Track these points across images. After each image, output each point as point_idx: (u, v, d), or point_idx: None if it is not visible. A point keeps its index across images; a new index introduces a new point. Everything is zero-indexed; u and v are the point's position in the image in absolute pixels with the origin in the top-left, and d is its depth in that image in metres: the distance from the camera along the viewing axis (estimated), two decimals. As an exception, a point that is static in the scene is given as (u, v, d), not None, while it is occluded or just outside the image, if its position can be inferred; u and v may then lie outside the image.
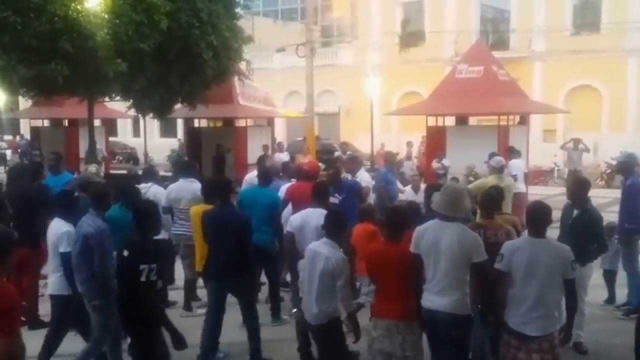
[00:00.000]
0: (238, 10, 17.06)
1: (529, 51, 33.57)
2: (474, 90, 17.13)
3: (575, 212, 7.25)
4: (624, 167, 8.99)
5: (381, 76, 33.63)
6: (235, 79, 18.03)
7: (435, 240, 5.25)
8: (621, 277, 8.94)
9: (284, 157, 18.06)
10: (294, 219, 7.05)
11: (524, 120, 19.07)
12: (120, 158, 34.31)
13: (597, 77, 32.37)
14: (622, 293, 8.81)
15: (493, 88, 17.41)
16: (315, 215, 6.67)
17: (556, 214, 7.54)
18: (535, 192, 16.85)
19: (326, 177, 9.68)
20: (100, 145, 20.78)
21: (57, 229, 6.50)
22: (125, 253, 5.45)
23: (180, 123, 32.30)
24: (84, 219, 6.37)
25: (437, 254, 5.22)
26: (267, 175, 8.81)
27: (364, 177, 10.83)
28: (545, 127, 32.58)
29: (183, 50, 14.84)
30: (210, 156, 18.55)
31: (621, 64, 31.91)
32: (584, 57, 31.64)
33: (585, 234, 6.99)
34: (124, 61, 13.31)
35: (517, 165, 14.56)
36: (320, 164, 12.58)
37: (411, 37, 37.06)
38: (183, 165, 10.31)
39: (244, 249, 6.82)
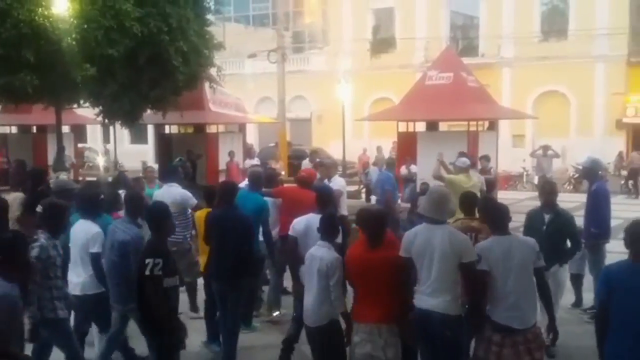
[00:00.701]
0: (208, 16, 16.96)
1: (498, 57, 33.91)
2: (444, 97, 17.28)
3: (547, 216, 7.47)
4: (589, 172, 9.20)
5: (353, 82, 33.65)
6: (206, 85, 17.94)
7: (427, 243, 5.32)
8: (588, 281, 9.06)
9: (254, 163, 17.96)
10: (297, 223, 6.97)
11: (493, 126, 19.28)
12: (90, 164, 33.97)
13: (565, 83, 32.80)
14: (588, 297, 8.89)
15: (463, 94, 17.58)
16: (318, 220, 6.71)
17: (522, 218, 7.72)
18: (505, 197, 17.00)
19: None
20: (69, 151, 20.55)
21: (87, 230, 6.53)
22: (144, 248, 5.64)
23: (151, 129, 32.10)
24: (117, 225, 6.52)
25: (430, 257, 5.29)
26: (258, 180, 8.75)
27: (338, 182, 10.91)
28: (514, 132, 32.95)
29: (153, 55, 14.71)
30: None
31: (588, 70, 32.36)
32: (552, 63, 32.06)
33: (561, 235, 7.34)
34: (92, 66, 13.18)
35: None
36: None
37: (382, 43, 37.26)
38: (165, 171, 10.33)
39: (249, 251, 7.04)
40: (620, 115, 32.35)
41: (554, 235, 7.25)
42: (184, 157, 17.56)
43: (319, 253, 5.76)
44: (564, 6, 33.84)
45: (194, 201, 8.92)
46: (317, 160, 13.64)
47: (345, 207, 10.43)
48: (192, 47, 15.17)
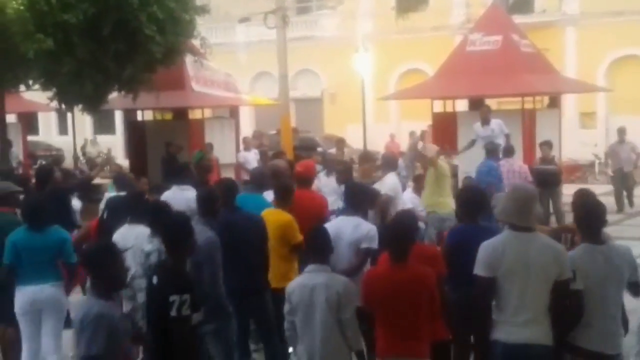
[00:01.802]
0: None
1: (559, 14, 33.80)
2: (491, 66, 17.36)
3: None
4: None
5: (374, 50, 33.70)
6: (188, 59, 17.99)
7: (523, 257, 5.29)
8: None
9: (251, 157, 17.93)
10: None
11: (555, 102, 19.31)
12: (43, 162, 34.05)
13: (646, 45, 32.67)
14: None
15: (515, 62, 17.65)
16: (350, 226, 6.73)
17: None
18: (570, 192, 16.99)
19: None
20: (17, 146, 20.70)
21: (141, 232, 7.02)
22: (155, 280, 5.46)
23: (119, 116, 32.23)
24: None
25: (527, 275, 5.26)
26: (259, 179, 8.92)
27: (388, 183, 10.62)
28: (582, 110, 32.84)
29: (120, 24, 14.79)
30: (157, 157, 18.40)
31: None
32: (628, 20, 31.89)
33: None
34: (47, 37, 13.30)
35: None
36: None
37: (411, 0, 37.20)
38: (176, 170, 10.43)
39: (264, 260, 7.10)
40: None
41: None
42: (203, 150, 17.56)
43: (319, 280, 5.67)
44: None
45: None
46: (320, 150, 13.58)
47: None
48: (168, 12, 15.21)
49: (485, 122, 15.63)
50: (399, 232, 5.69)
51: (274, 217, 7.62)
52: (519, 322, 5.26)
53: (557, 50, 30.98)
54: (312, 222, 7.84)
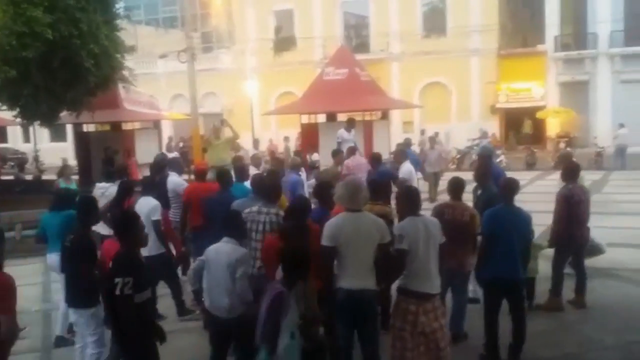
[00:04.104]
0: (118, 21, 16.32)
1: (387, 53, 34.41)
2: (341, 90, 17.40)
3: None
4: (487, 159, 9.22)
5: (258, 79, 33.48)
6: (120, 85, 17.27)
7: (355, 230, 5.18)
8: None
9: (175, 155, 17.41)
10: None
11: (385, 115, 19.56)
12: (12, 164, 32.26)
13: (445, 75, 33.70)
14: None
15: (357, 88, 17.75)
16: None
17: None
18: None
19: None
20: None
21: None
22: (111, 264, 4.92)
23: (70, 127, 30.73)
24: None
25: (358, 242, 5.17)
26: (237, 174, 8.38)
27: (405, 170, 10.63)
28: (404, 120, 33.62)
29: (66, 59, 14.08)
30: (99, 159, 17.76)
31: (465, 62, 33.39)
32: (434, 57, 32.85)
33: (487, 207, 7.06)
34: (11, 69, 12.69)
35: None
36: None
37: (284, 42, 37.07)
38: (169, 161, 10.30)
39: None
40: (493, 102, 33.59)
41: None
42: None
43: (227, 249, 5.29)
44: (442, 6, 34.65)
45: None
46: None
47: None
48: (103, 50, 14.57)
49: (349, 129, 15.62)
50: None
51: None
52: (354, 274, 5.18)
53: (386, 78, 31.58)
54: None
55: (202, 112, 29.11)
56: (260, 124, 33.83)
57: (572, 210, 7.61)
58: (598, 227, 8.61)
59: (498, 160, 19.73)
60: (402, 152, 11.84)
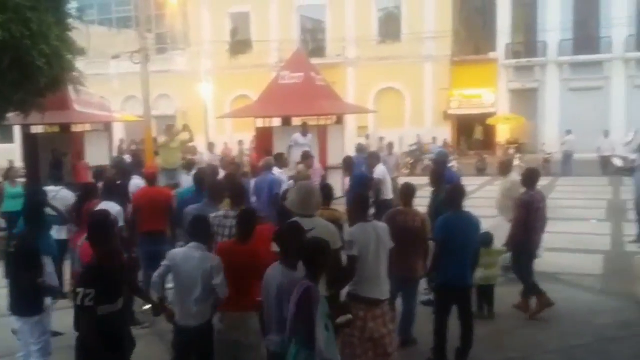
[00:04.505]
0: (70, 21, 15.96)
1: (342, 58, 34.62)
2: (296, 95, 17.37)
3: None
4: (441, 164, 9.65)
5: (214, 81, 33.21)
6: (70, 86, 16.89)
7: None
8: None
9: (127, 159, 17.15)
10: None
11: (340, 120, 19.62)
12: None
13: (399, 80, 34.10)
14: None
15: (312, 92, 17.76)
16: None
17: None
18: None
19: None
20: None
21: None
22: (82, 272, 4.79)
23: (18, 129, 29.88)
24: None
25: None
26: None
27: (379, 171, 11.15)
28: (359, 124, 33.78)
29: (16, 59, 13.68)
30: (47, 162, 17.30)
31: (419, 69, 33.88)
32: (389, 63, 33.21)
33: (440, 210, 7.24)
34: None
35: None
36: None
37: (240, 45, 36.91)
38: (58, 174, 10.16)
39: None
40: (446, 108, 34.14)
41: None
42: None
43: (197, 255, 5.13)
44: (397, 12, 35.08)
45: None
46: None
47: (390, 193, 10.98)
48: (54, 51, 14.21)
49: (305, 133, 15.65)
50: (248, 219, 5.40)
51: None
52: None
53: (342, 83, 31.75)
54: (161, 211, 7.56)
55: (155, 115, 28.68)
56: (215, 128, 33.60)
57: (530, 216, 7.78)
58: (544, 233, 8.84)
59: (450, 165, 20.04)
60: (376, 154, 12.19)
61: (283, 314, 4.47)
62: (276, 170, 10.90)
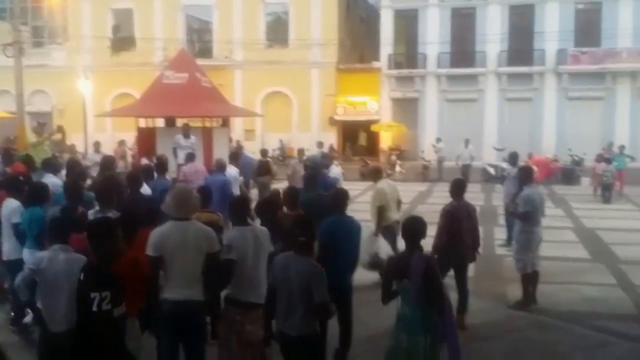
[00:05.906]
0: None
1: (230, 60, 34.35)
2: (180, 95, 16.95)
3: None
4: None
5: (93, 78, 31.90)
6: None
7: (182, 239, 5.03)
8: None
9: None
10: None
11: (226, 122, 19.43)
12: None
13: (287, 85, 34.31)
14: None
15: (197, 93, 17.41)
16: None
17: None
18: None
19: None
20: None
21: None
22: (81, 277, 4.37)
23: None
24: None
25: (185, 251, 5.02)
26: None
27: (334, 171, 11.54)
28: (246, 128, 33.76)
29: None
30: None
31: (306, 74, 34.24)
32: (276, 67, 33.35)
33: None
34: None
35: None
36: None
37: (122, 42, 35.71)
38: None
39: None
40: (332, 114, 34.73)
41: None
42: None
43: (61, 257, 4.86)
44: (285, 17, 35.30)
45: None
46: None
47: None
48: None
49: (186, 135, 15.29)
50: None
51: None
52: (179, 284, 5.04)
53: (229, 86, 31.49)
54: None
55: (29, 111, 27.26)
56: (94, 126, 32.23)
57: (454, 226, 7.79)
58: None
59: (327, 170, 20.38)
60: (329, 155, 12.37)
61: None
62: (233, 170, 11.38)
